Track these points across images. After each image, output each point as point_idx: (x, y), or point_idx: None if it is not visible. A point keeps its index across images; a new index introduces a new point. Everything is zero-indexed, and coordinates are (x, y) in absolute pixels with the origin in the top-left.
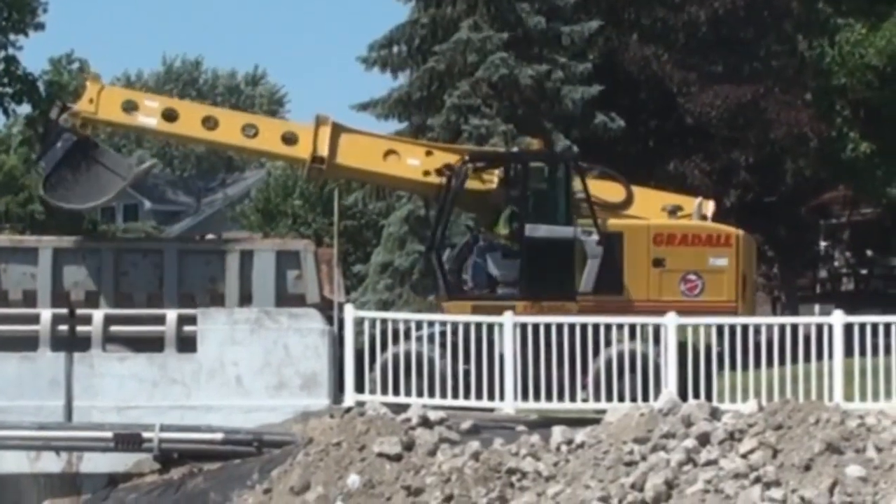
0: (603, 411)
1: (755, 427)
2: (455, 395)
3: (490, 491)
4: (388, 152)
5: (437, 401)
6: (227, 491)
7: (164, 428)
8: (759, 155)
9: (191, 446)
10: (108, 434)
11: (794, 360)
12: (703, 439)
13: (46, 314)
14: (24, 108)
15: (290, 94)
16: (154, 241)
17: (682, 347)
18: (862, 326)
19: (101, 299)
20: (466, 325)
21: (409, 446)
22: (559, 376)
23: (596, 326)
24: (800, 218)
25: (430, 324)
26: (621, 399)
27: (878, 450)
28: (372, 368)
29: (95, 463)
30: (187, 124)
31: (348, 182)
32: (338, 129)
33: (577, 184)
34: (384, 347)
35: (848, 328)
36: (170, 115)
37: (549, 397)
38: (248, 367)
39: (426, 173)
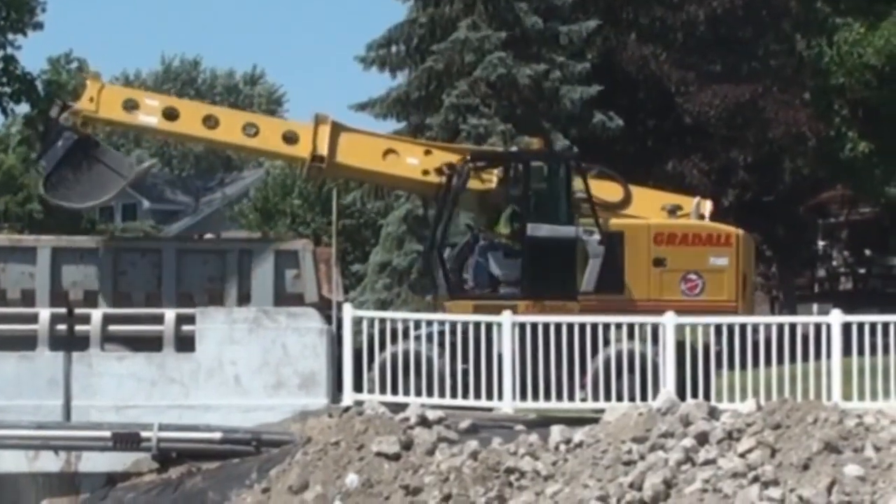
0: (601, 411)
1: (753, 426)
2: (453, 395)
3: (488, 490)
4: (388, 151)
5: (436, 400)
6: (225, 490)
7: (162, 427)
8: (757, 154)
9: (189, 445)
10: (107, 433)
11: (793, 359)
12: (702, 439)
13: (45, 313)
14: (23, 108)
15: (288, 93)
16: (153, 240)
17: (680, 347)
18: (860, 326)
19: (100, 299)
20: (465, 325)
21: (407, 446)
22: (557, 376)
23: (594, 326)
24: (798, 217)
25: (429, 323)
26: (620, 398)
27: (877, 449)
28: (370, 368)
29: (94, 462)
30: (188, 123)
31: (346, 181)
32: (337, 128)
33: (576, 183)
34: (382, 347)
35: (846, 327)
36: (170, 114)
37: (547, 397)
38: (247, 366)
39: (425, 172)
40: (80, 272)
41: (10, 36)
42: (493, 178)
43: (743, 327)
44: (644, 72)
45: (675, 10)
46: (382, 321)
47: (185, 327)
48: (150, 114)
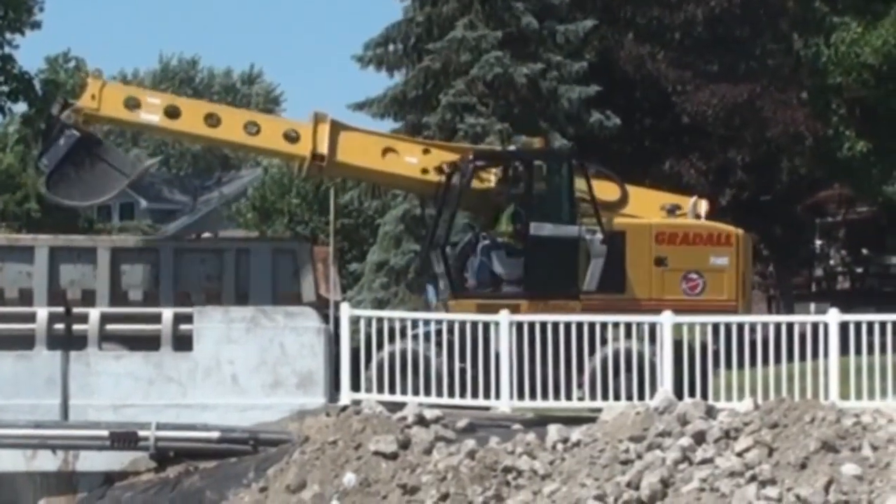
0: (599, 410)
1: (751, 425)
2: (451, 394)
3: (486, 489)
4: (387, 150)
5: (433, 399)
6: (223, 489)
7: (160, 426)
8: (754, 154)
9: (187, 445)
10: (105, 432)
11: (790, 358)
12: (699, 438)
13: (43, 313)
14: (21, 107)
15: (285, 93)
16: (150, 239)
17: (677, 346)
18: (857, 325)
19: (98, 298)
20: (462, 324)
21: (405, 445)
22: (555, 375)
23: (592, 325)
24: (795, 217)
25: (426, 322)
26: (617, 397)
27: (874, 448)
28: (368, 367)
29: (92, 461)
30: (190, 121)
31: (344, 180)
32: (336, 127)
33: (577, 183)
34: (380, 346)
35: (843, 327)
36: (172, 113)
37: (545, 396)
38: (244, 365)
39: (424, 171)
40: (77, 271)
41: (8, 35)
42: (490, 177)
43: (740, 326)
44: (641, 71)
45: (672, 9)
46: (380, 320)
47: (183, 326)
48: (151, 112)
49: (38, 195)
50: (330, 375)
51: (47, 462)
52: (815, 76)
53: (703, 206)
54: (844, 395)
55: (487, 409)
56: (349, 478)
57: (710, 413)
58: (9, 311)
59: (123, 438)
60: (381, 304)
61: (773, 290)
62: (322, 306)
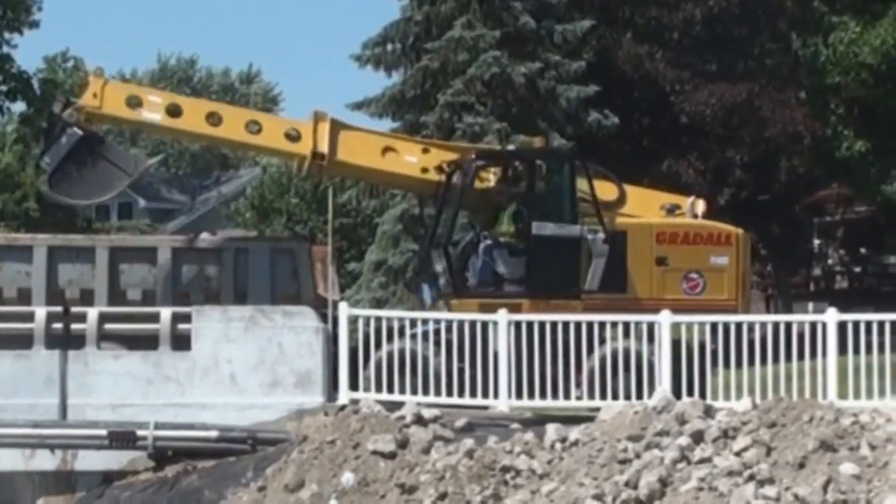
0: (597, 409)
1: (749, 425)
2: (449, 393)
3: (484, 489)
4: (386, 149)
5: (432, 399)
6: (221, 489)
7: (158, 426)
8: (753, 153)
9: (185, 444)
10: (103, 432)
11: (788, 357)
12: (697, 437)
13: (41, 312)
14: (19, 106)
15: (284, 92)
16: (148, 238)
17: (676, 345)
18: (856, 324)
19: (96, 297)
20: (461, 323)
21: (403, 444)
22: (553, 374)
23: (590, 324)
24: (793, 216)
25: (425, 322)
26: (615, 397)
27: (872, 448)
28: (366, 366)
29: (90, 461)
30: (191, 120)
31: (342, 180)
32: (336, 126)
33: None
34: (378, 345)
35: (842, 326)
36: (174, 111)
37: (543, 395)
38: (243, 364)
39: (424, 170)
40: (76, 271)
41: (7, 34)
42: (490, 176)
43: (739, 326)
44: (639, 71)
45: (671, 9)
46: (378, 319)
47: (181, 326)
48: (153, 110)
49: (36, 194)
50: (328, 375)
51: (46, 461)
52: (813, 76)
53: (701, 205)
54: (843, 394)
55: (486, 408)
56: (347, 477)
57: (709, 412)
58: (7, 311)
59: (122, 438)
60: (379, 304)
61: (772, 290)
62: (320, 306)
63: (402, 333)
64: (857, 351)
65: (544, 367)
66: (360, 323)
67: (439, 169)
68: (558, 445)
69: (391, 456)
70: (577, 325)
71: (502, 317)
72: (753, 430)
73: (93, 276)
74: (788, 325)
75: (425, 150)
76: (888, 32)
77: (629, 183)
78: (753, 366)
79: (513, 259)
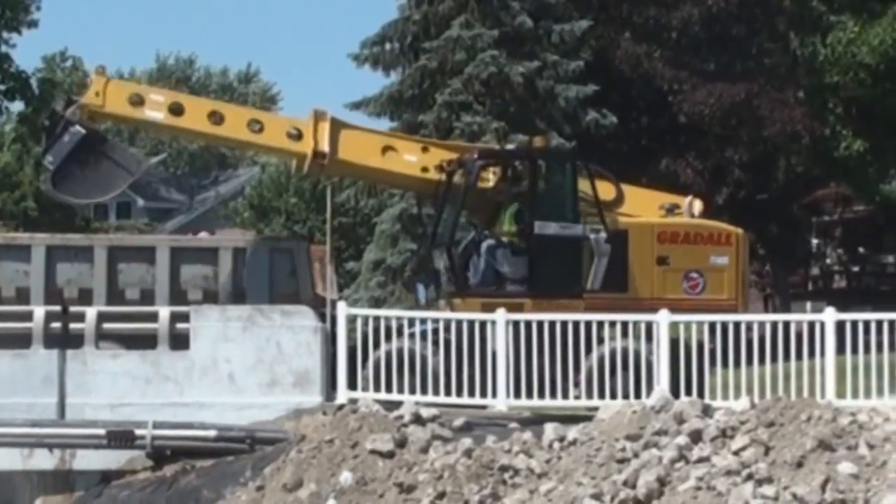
0: (595, 408)
1: (747, 424)
2: (447, 393)
3: (482, 488)
4: (386, 148)
5: (430, 398)
6: (219, 488)
7: (156, 425)
8: (751, 153)
9: (183, 443)
10: (101, 431)
11: (787, 357)
12: (696, 436)
13: (39, 311)
14: (17, 106)
15: (282, 92)
16: (147, 238)
17: (674, 344)
18: (854, 324)
19: (94, 296)
20: (459, 323)
21: (401, 443)
22: (552, 374)
23: (588, 324)
24: (792, 215)
25: (423, 321)
26: (614, 396)
27: (870, 447)
28: (364, 366)
29: (88, 460)
30: (194, 119)
31: (340, 179)
32: (337, 125)
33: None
34: (377, 345)
35: (840, 325)
36: (176, 110)
37: (541, 395)
38: (241, 364)
39: (424, 170)
40: (74, 270)
41: (5, 34)
42: (489, 175)
43: (737, 325)
44: (638, 70)
45: (669, 8)
46: (376, 319)
47: (180, 325)
48: (155, 109)
49: (35, 194)
50: (327, 374)
51: (44, 461)
52: (811, 75)
53: (698, 205)
54: (841, 393)
55: (484, 407)
56: (346, 476)
57: (707, 412)
58: (6, 310)
59: (120, 437)
60: (377, 303)
61: (770, 289)
62: (319, 305)
63: (400, 333)
64: (855, 350)
65: (543, 367)
66: (359, 322)
67: (440, 168)
68: (556, 445)
69: (389, 455)
70: (576, 324)
71: (500, 316)
72: (752, 430)
73: (91, 276)
74: (787, 325)
75: (425, 149)
76: (887, 32)
77: (627, 182)
78: (752, 365)
79: (515, 258)
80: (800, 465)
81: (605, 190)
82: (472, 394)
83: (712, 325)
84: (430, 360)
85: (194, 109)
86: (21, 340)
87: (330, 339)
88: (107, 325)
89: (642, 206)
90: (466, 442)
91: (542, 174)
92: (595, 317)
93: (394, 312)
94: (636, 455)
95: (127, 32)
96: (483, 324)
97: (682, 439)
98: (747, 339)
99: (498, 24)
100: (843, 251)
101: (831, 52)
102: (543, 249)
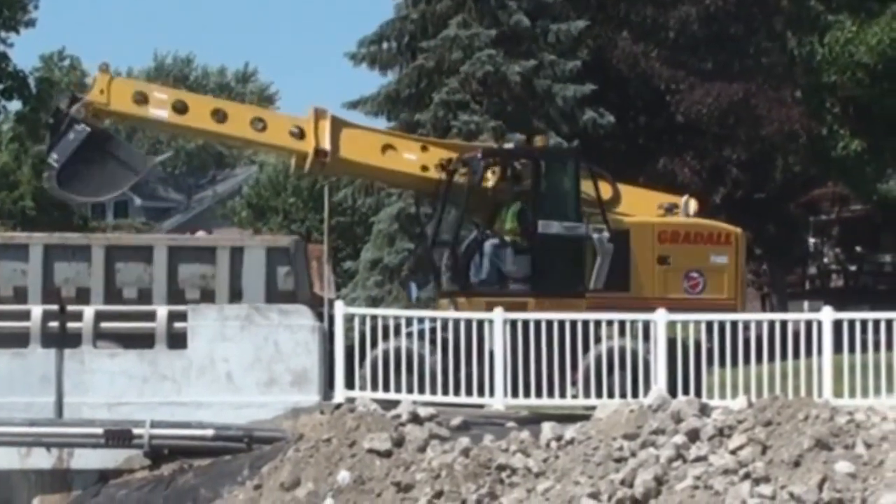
0: (593, 408)
1: (744, 423)
2: (445, 392)
3: (480, 487)
4: (386, 147)
5: (427, 397)
6: (217, 487)
7: (154, 424)
8: (749, 152)
9: (181, 442)
10: (99, 430)
11: (784, 356)
12: (693, 435)
13: (37, 311)
14: (15, 105)
15: (280, 91)
16: (144, 237)
17: (671, 344)
18: (851, 323)
19: (92, 296)
20: (456, 322)
21: (399, 442)
22: (549, 373)
23: (586, 323)
24: (789, 215)
25: (420, 320)
26: (611, 395)
27: (868, 446)
28: (362, 365)
29: (86, 459)
30: (197, 117)
31: (338, 178)
32: (337, 123)
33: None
34: (374, 344)
35: (837, 324)
36: (180, 108)
37: (539, 394)
38: (239, 363)
39: (424, 168)
40: (72, 269)
41: (3, 33)
42: (489, 174)
43: (734, 324)
44: (635, 70)
45: (667, 8)
46: (374, 318)
47: (177, 324)
48: (159, 107)
49: (33, 193)
50: (324, 373)
51: (42, 460)
52: (809, 75)
53: (693, 205)
54: (838, 392)
55: (481, 406)
56: (343, 475)
57: (704, 411)
58: (3, 309)
59: (118, 436)
60: (374, 302)
61: (767, 288)
62: (316, 304)
63: (397, 332)
64: (852, 349)
65: (540, 366)
66: (356, 321)
67: (442, 167)
68: (554, 444)
69: (387, 454)
70: (573, 323)
71: (498, 315)
72: (749, 429)
73: (89, 275)
74: (784, 324)
75: (424, 148)
76: (884, 31)
77: (625, 182)
78: (749, 364)
79: (518, 258)
80: (797, 464)
81: (602, 189)
82: (469, 393)
83: (709, 325)
84: (427, 360)
85: (198, 107)
86: (18, 339)
87: (327, 339)
88: (104, 325)
89: (639, 205)
90: (464, 441)
91: (546, 173)
92: (592, 316)
93: (391, 311)
94: (633, 454)
95: (125, 32)
96: (480, 323)
97: (679, 438)
98: (745, 338)
99: (495, 24)
100: (840, 250)
101: (829, 52)
102: (547, 248)
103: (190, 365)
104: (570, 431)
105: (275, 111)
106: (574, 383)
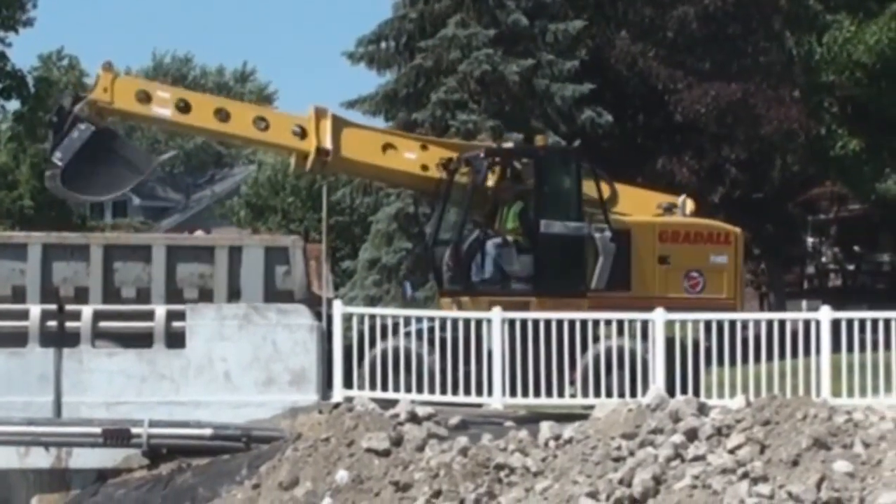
0: (591, 407)
1: (743, 422)
2: (443, 391)
3: (478, 486)
4: (386, 146)
5: (426, 396)
6: (215, 486)
7: (152, 423)
8: (747, 151)
9: (179, 442)
10: (97, 430)
11: (782, 355)
12: (691, 435)
13: (35, 310)
14: (13, 104)
15: (278, 91)
16: (142, 236)
17: (670, 343)
18: (849, 322)
19: (90, 295)
20: (455, 321)
21: (397, 442)
22: (547, 372)
23: (584, 322)
24: (787, 214)
25: (419, 319)
26: (609, 395)
27: (866, 445)
28: (360, 364)
29: (84, 458)
30: (200, 116)
31: (336, 177)
32: (338, 122)
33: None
34: (372, 343)
35: (835, 324)
36: (183, 107)
37: (537, 393)
38: (237, 362)
39: (424, 167)
40: (70, 269)
41: (1, 32)
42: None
43: (732, 324)
44: (633, 69)
45: (665, 7)
46: (372, 317)
47: (176, 324)
48: (163, 106)
49: (31, 192)
50: (322, 372)
51: (40, 459)
52: (807, 74)
53: (690, 204)
54: (836, 392)
55: (480, 406)
56: (341, 475)
57: (702, 410)
58: (2, 309)
59: (116, 435)
60: (373, 302)
61: (765, 288)
62: (315, 303)
63: (396, 331)
64: (850, 349)
65: (538, 365)
66: (355, 321)
67: (443, 166)
68: (552, 443)
69: (385, 454)
70: (571, 322)
71: (496, 314)
72: (747, 428)
73: (87, 274)
74: (782, 323)
75: (424, 147)
76: (883, 31)
77: (623, 182)
78: (747, 364)
79: (521, 257)
80: (795, 463)
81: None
82: (467, 392)
83: (708, 324)
84: (425, 359)
85: (201, 106)
86: (17, 339)
87: (326, 338)
88: (103, 324)
89: (636, 205)
90: (462, 440)
91: (548, 173)
92: (590, 315)
93: (389, 311)
94: (632, 453)
95: (123, 31)
96: (479, 322)
97: (677, 438)
98: (743, 337)
99: (494, 23)
100: (838, 250)
101: (827, 51)
102: (549, 248)
103: (188, 364)
104: (568, 431)
105: (276, 110)
106: (572, 383)
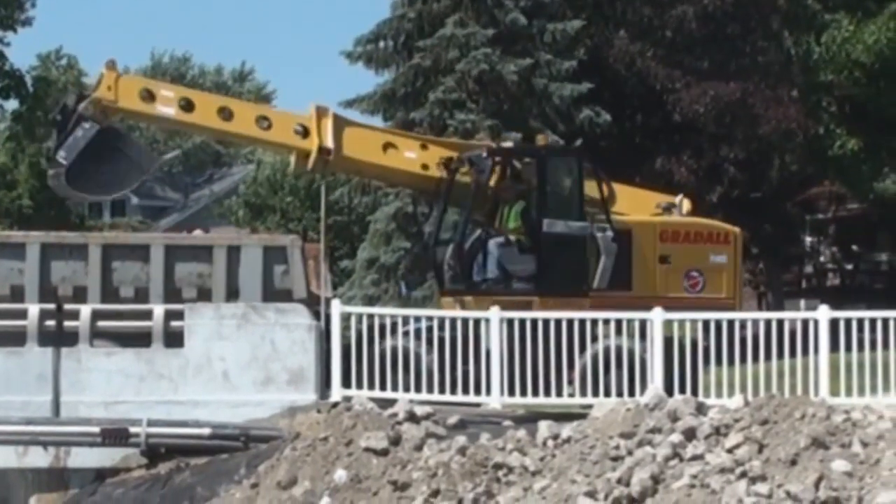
0: (589, 406)
1: (741, 422)
2: (442, 391)
3: (476, 486)
4: (387, 145)
5: (424, 396)
6: (214, 486)
7: (151, 423)
8: (746, 151)
9: (178, 441)
10: (95, 429)
11: (780, 355)
12: (689, 434)
13: (34, 309)
14: (12, 104)
15: (277, 90)
16: (141, 236)
17: (668, 342)
18: (847, 322)
19: (89, 294)
20: (453, 321)
21: (395, 441)
22: (546, 371)
23: (582, 322)
24: (786, 214)
25: (417, 319)
26: (607, 394)
27: (864, 445)
28: (359, 363)
29: (83, 458)
30: (204, 114)
31: (335, 177)
32: (339, 121)
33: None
34: (371, 342)
35: (833, 323)
36: (186, 106)
37: (535, 392)
38: (235, 362)
39: (424, 167)
40: (69, 268)
41: (0, 32)
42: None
43: (731, 323)
44: (632, 69)
45: (663, 7)
46: (371, 317)
47: (174, 323)
48: (166, 104)
49: (30, 192)
50: (321, 372)
51: (39, 458)
52: (806, 74)
53: (687, 204)
54: (834, 391)
55: (478, 405)
56: (340, 474)
57: (701, 410)
58: (0, 308)
59: (114, 435)
60: (371, 301)
61: (764, 287)
62: (313, 303)
63: (394, 330)
64: (848, 348)
65: (537, 365)
66: (353, 320)
67: (444, 165)
68: (550, 443)
69: (384, 453)
70: (570, 322)
71: (494, 314)
72: (745, 428)
73: (86, 274)
74: (780, 323)
75: (424, 147)
76: (881, 31)
77: (621, 181)
78: (745, 363)
79: (523, 257)
80: (794, 462)
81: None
82: (466, 392)
83: (706, 323)
84: (424, 358)
85: (204, 105)
86: (15, 338)
87: (324, 337)
88: (101, 323)
89: (634, 204)
90: (460, 440)
91: (550, 172)
92: (589, 314)
93: (388, 310)
94: (630, 453)
95: (122, 30)
96: (477, 321)
97: (676, 437)
98: (741, 336)
99: (492, 23)
100: (836, 249)
101: (826, 51)
102: (551, 248)
103: (186, 364)
104: (566, 430)
105: (277, 109)
106: (571, 382)
